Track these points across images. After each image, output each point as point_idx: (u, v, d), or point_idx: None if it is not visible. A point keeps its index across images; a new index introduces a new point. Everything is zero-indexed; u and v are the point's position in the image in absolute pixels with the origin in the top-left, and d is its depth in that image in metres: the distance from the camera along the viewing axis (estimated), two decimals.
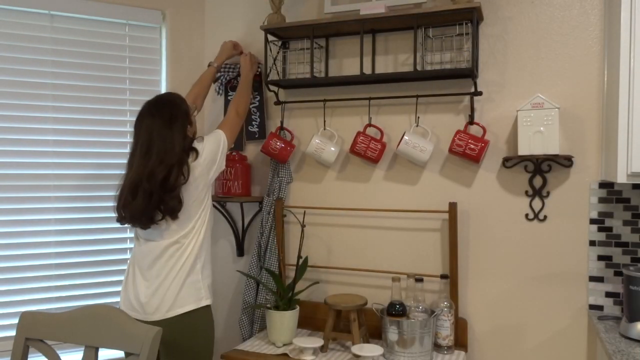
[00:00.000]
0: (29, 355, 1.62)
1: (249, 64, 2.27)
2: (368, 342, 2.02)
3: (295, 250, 2.32)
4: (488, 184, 2.06)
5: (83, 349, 1.57)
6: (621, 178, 1.60)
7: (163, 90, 2.42)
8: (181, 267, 1.78)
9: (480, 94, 2.01)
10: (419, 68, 2.01)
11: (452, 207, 2.02)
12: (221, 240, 2.55)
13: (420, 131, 2.13)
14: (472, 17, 1.90)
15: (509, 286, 2.03)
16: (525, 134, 1.87)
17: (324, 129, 2.29)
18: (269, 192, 2.34)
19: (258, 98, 2.42)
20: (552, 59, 1.96)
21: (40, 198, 2.18)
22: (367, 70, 2.19)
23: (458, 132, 1.98)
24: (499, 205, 2.04)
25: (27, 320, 1.62)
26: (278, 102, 2.34)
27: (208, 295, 1.84)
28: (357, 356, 1.87)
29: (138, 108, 1.83)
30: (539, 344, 1.98)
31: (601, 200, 1.89)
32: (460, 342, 2.03)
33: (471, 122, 2.04)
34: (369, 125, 2.17)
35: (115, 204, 1.79)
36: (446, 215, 2.08)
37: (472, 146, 1.94)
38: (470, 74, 1.95)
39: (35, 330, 1.61)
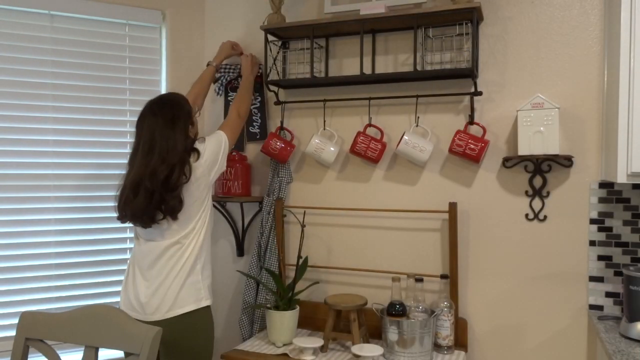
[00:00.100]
0: (29, 355, 1.62)
1: (250, 65, 2.27)
2: (368, 342, 2.02)
3: (295, 250, 2.32)
4: (488, 184, 2.06)
5: (83, 349, 1.57)
6: (621, 178, 1.60)
7: (163, 90, 2.42)
8: (181, 268, 1.78)
9: (480, 94, 2.01)
10: (419, 68, 2.01)
11: (452, 207, 2.02)
12: (221, 240, 2.55)
13: (420, 131, 2.13)
14: (472, 17, 1.90)
15: (509, 286, 2.03)
16: (525, 134, 1.87)
17: (324, 129, 2.29)
18: (269, 192, 2.34)
19: (259, 99, 2.42)
20: (552, 59, 1.96)
21: (40, 198, 2.18)
22: (367, 70, 2.19)
23: (458, 132, 1.98)
24: (499, 205, 2.04)
25: (27, 320, 1.62)
26: (278, 102, 2.34)
27: (208, 296, 1.84)
28: (357, 356, 1.87)
29: (138, 108, 1.83)
30: (539, 344, 1.98)
31: (601, 200, 1.89)
32: (460, 342, 2.03)
33: (471, 122, 2.04)
34: (369, 125, 2.17)
35: (117, 202, 1.79)
36: (446, 215, 2.08)
37: (472, 146, 1.94)
38: (470, 74, 1.95)
39: (35, 330, 1.61)
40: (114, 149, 2.32)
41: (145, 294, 1.78)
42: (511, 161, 2.00)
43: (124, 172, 1.82)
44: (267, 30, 2.20)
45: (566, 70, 1.95)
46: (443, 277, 2.04)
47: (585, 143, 1.92)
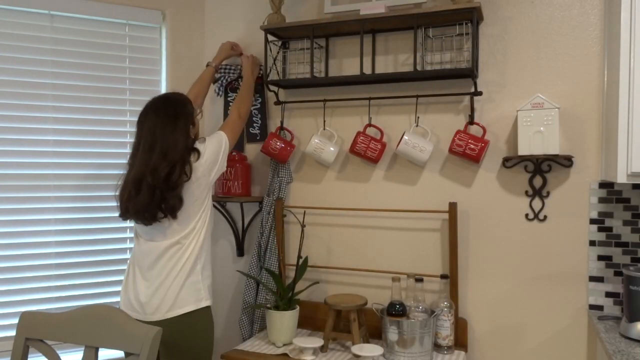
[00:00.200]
0: (29, 355, 1.62)
1: (250, 66, 2.27)
2: (368, 342, 2.02)
3: (295, 250, 2.32)
4: (488, 184, 2.06)
5: (83, 349, 1.57)
6: (621, 178, 1.60)
7: (163, 90, 2.42)
8: (181, 268, 1.78)
9: (480, 94, 2.01)
10: (419, 68, 2.01)
11: (452, 207, 2.02)
12: (221, 240, 2.55)
13: (420, 131, 2.13)
14: (472, 17, 1.90)
15: (509, 286, 2.03)
16: (525, 134, 1.87)
17: (324, 129, 2.29)
18: (269, 192, 2.34)
19: (259, 100, 2.42)
20: (552, 59, 1.96)
21: (40, 198, 2.18)
22: (367, 70, 2.19)
23: (458, 132, 1.98)
24: (499, 205, 2.04)
25: (27, 320, 1.62)
26: (278, 102, 2.34)
27: (208, 296, 1.84)
28: (357, 356, 1.87)
29: (138, 108, 1.84)
30: (539, 344, 1.98)
31: (601, 200, 1.89)
32: (460, 342, 2.03)
33: (471, 122, 2.04)
34: (369, 125, 2.17)
35: (119, 199, 1.79)
36: (446, 215, 2.08)
37: (472, 146, 1.94)
38: (470, 74, 1.95)
39: (35, 330, 1.61)
40: (114, 149, 2.32)
41: (145, 294, 1.78)
42: (511, 161, 2.00)
43: (124, 171, 1.82)
44: (267, 30, 2.20)
45: (566, 70, 1.95)
46: (443, 277, 2.04)
47: (585, 143, 1.92)
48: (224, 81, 2.42)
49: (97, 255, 2.30)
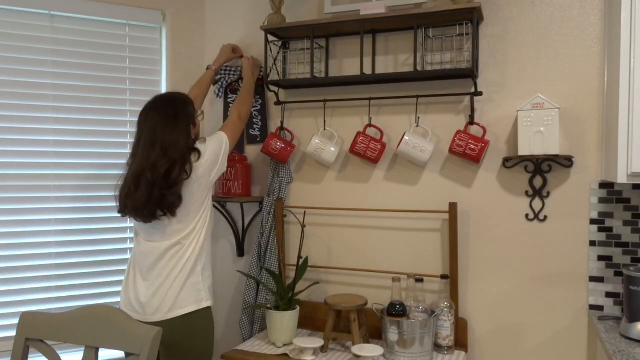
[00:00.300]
0: (29, 355, 1.62)
1: (251, 68, 2.27)
2: (368, 342, 2.02)
3: (295, 250, 2.32)
4: (488, 184, 2.06)
5: (83, 349, 1.57)
6: (621, 178, 1.60)
7: (163, 90, 2.42)
8: (181, 269, 1.78)
9: (480, 94, 2.01)
10: (419, 68, 2.01)
11: (452, 207, 2.02)
12: (221, 240, 2.55)
13: (420, 131, 2.13)
14: (472, 17, 1.90)
15: (509, 286, 2.03)
16: (525, 134, 1.87)
17: (324, 129, 2.29)
18: (269, 192, 2.34)
19: (259, 102, 2.42)
20: (552, 59, 1.96)
21: (40, 198, 2.18)
22: (367, 70, 2.19)
23: (458, 132, 1.98)
24: (499, 205, 2.04)
25: (27, 320, 1.62)
26: (278, 102, 2.34)
27: (208, 297, 1.84)
28: (357, 356, 1.87)
29: (138, 108, 1.84)
30: (539, 344, 1.98)
31: (601, 200, 1.89)
32: (460, 342, 2.03)
33: (471, 122, 2.04)
34: (369, 125, 2.17)
35: (118, 194, 1.79)
36: (446, 215, 2.08)
37: (472, 146, 1.94)
38: (470, 74, 1.95)
39: (35, 330, 1.61)
40: (114, 149, 2.32)
41: (145, 294, 1.78)
42: (511, 161, 2.00)
43: (123, 171, 1.81)
44: (267, 30, 2.20)
45: (566, 70, 1.95)
46: (443, 277, 2.04)
47: (585, 143, 1.92)
48: (224, 82, 2.42)
49: (97, 255, 2.30)
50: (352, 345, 1.91)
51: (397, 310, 1.89)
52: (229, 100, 2.47)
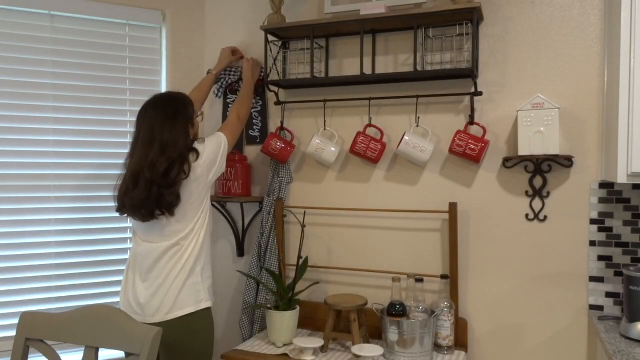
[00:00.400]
0: (29, 355, 1.62)
1: (251, 69, 2.27)
2: (368, 342, 2.02)
3: (295, 250, 2.32)
4: (488, 184, 2.06)
5: (83, 349, 1.57)
6: (621, 178, 1.60)
7: (163, 90, 2.42)
8: (181, 269, 1.78)
9: (480, 94, 2.01)
10: (419, 68, 2.01)
11: (452, 207, 2.02)
12: (221, 240, 2.55)
13: (420, 131, 2.13)
14: (472, 17, 1.90)
15: (509, 286, 2.03)
16: (525, 134, 1.87)
17: (324, 129, 2.29)
18: (269, 192, 2.34)
19: (260, 103, 2.42)
20: (552, 59, 1.96)
21: (40, 198, 2.18)
22: (367, 70, 2.19)
23: (458, 132, 1.98)
24: (499, 205, 2.04)
25: (27, 320, 1.62)
26: (278, 102, 2.34)
27: (208, 298, 1.84)
28: (357, 356, 1.87)
29: (138, 108, 1.83)
30: (539, 344, 1.98)
31: (601, 200, 1.89)
32: (460, 342, 2.03)
33: (471, 122, 2.04)
34: (369, 125, 2.17)
35: (116, 192, 1.79)
36: (446, 215, 2.08)
37: (472, 146, 1.94)
38: (470, 74, 1.95)
39: (35, 330, 1.61)
40: (114, 149, 2.32)
41: (145, 295, 1.77)
42: (511, 161, 2.00)
43: (122, 172, 1.81)
44: (267, 30, 2.20)
45: (566, 70, 1.95)
46: (443, 277, 2.04)
47: (585, 143, 1.92)
48: (224, 83, 2.42)
49: (97, 255, 2.30)
50: (352, 345, 1.91)
51: (397, 310, 1.89)
52: (228, 100, 2.47)
